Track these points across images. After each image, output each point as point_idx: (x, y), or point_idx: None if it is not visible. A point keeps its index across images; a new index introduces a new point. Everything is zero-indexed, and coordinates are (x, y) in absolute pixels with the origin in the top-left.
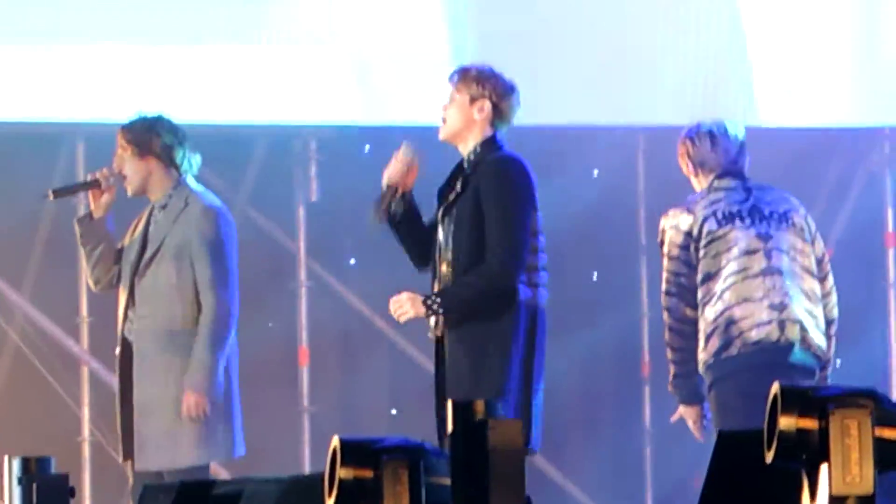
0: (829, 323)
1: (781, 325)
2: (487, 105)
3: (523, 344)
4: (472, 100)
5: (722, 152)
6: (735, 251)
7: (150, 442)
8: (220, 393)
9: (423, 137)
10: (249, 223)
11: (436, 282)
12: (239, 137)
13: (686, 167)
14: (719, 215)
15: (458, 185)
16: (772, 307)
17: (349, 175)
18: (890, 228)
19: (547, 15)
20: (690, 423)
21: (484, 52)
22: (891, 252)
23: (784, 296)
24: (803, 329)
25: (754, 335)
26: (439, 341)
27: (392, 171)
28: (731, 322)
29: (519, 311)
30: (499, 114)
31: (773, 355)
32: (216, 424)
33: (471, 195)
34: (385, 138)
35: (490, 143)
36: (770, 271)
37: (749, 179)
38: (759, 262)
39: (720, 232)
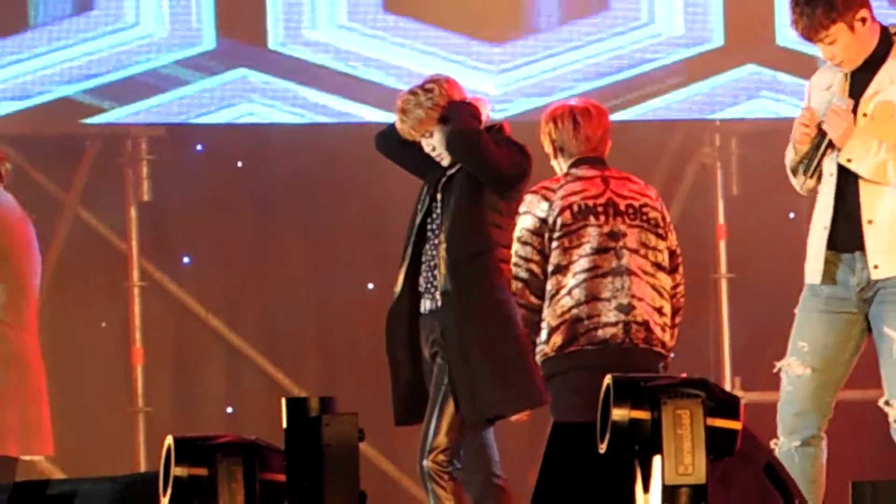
0: (675, 312)
1: (627, 328)
2: None
3: None
4: None
5: (583, 138)
6: (587, 248)
7: None
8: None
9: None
10: (81, 224)
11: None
12: (70, 138)
13: (547, 147)
14: (575, 208)
15: None
16: (619, 309)
17: (182, 174)
18: (721, 220)
19: None
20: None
21: None
22: (721, 244)
23: (631, 297)
24: (648, 330)
25: (600, 335)
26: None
27: None
28: (577, 319)
29: None
30: None
31: (617, 356)
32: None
33: None
34: (216, 137)
35: None
36: (619, 271)
37: (608, 168)
38: (609, 262)
39: (574, 226)
